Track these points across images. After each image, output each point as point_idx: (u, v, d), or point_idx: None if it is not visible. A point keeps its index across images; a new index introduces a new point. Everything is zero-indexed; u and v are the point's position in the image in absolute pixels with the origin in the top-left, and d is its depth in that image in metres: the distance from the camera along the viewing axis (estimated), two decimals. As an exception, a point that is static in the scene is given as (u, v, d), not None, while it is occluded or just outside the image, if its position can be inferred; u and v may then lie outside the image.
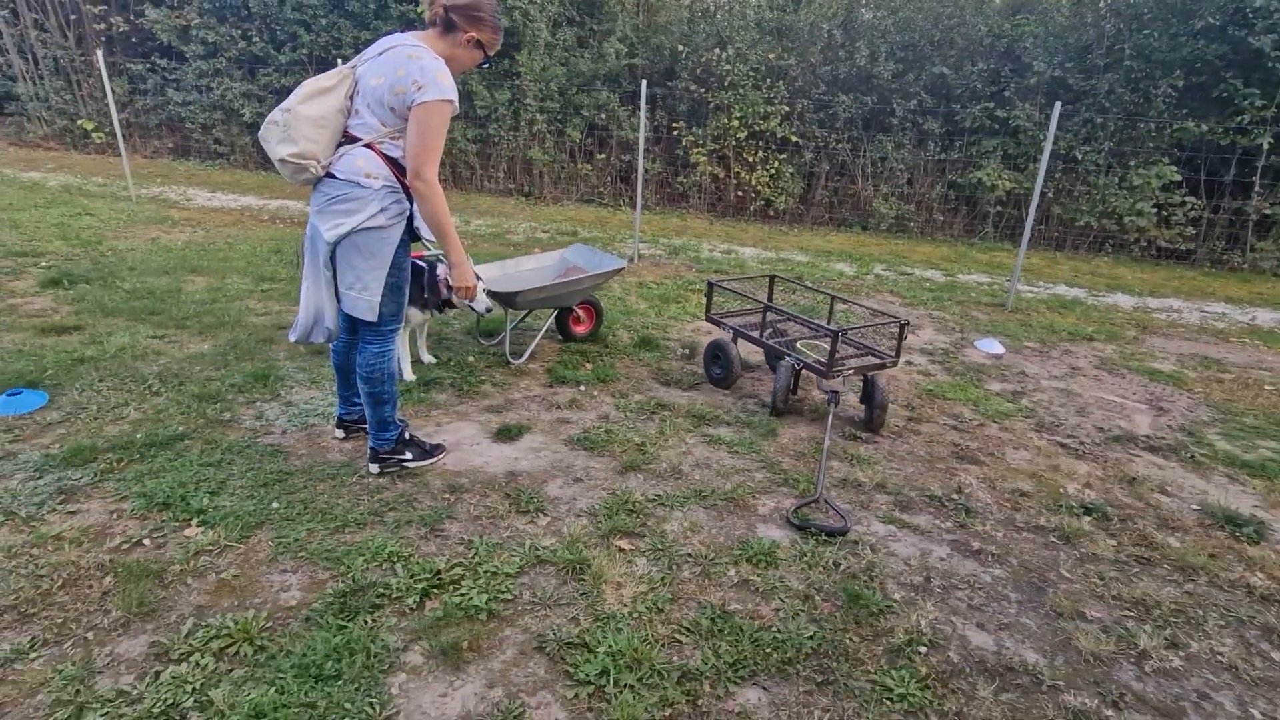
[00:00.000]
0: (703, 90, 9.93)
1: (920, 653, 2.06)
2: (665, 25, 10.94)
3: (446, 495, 2.74)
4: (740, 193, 10.32)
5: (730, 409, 3.72)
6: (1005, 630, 2.19)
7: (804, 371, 3.68)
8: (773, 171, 10.01)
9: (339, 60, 8.54)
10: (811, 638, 2.08)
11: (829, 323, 3.99)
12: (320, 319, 2.61)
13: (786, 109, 9.63)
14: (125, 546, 2.33)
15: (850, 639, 2.10)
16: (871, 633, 2.14)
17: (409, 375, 3.74)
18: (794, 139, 9.81)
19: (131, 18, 12.96)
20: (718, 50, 9.62)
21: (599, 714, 1.80)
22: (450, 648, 1.96)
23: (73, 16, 13.42)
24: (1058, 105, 5.78)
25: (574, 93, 10.57)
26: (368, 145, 2.45)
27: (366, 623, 2.05)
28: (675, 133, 10.43)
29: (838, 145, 9.73)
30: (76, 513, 2.50)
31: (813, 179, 10.15)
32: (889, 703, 1.88)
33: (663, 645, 2.04)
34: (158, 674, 1.84)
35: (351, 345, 2.85)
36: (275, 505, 2.60)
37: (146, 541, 2.37)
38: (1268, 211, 8.26)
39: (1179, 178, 8.34)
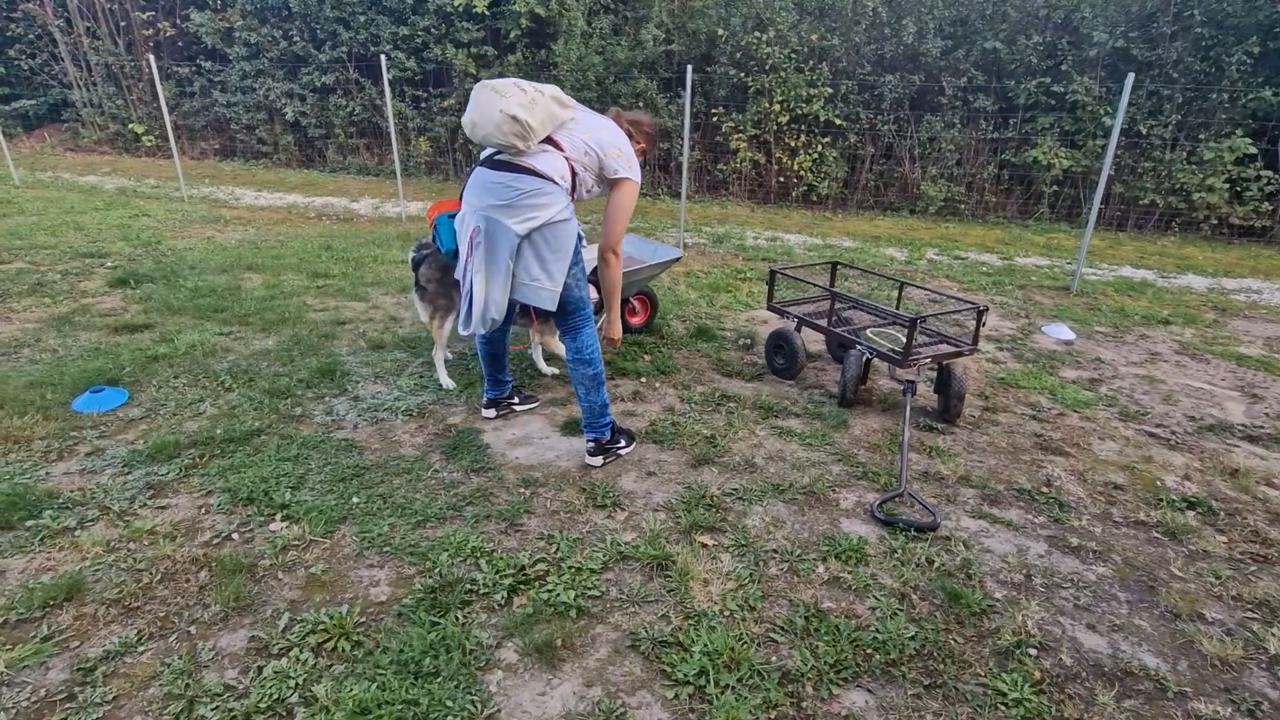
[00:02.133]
0: (742, 75, 9.73)
1: (1030, 655, 1.97)
2: (701, 9, 10.74)
3: (522, 490, 2.72)
4: (782, 179, 10.11)
5: (797, 400, 3.63)
6: (1119, 632, 2.08)
7: (873, 361, 3.57)
8: (815, 156, 9.78)
9: (382, 57, 8.58)
10: (913, 638, 2.00)
11: (897, 309, 3.86)
12: (487, 309, 2.64)
13: (830, 91, 9.38)
14: (215, 541, 2.37)
15: (954, 640, 2.02)
16: (975, 634, 2.05)
17: (447, 383, 3.64)
18: (838, 122, 9.56)
19: (178, 22, 13.27)
20: (757, 33, 9.41)
21: (701, 715, 1.76)
22: (544, 645, 1.94)
23: (122, 23, 13.80)
24: (1130, 77, 5.48)
25: (611, 81, 10.47)
26: (566, 159, 2.58)
27: (458, 619, 2.03)
28: (715, 119, 10.26)
29: (883, 127, 9.45)
30: (166, 507, 2.55)
31: (856, 163, 9.89)
32: (1004, 708, 1.80)
33: (758, 645, 1.98)
34: (260, 669, 1.85)
35: (504, 332, 3.13)
36: (355, 500, 2.61)
37: (235, 536, 2.40)
38: (1352, 184, 7.77)
39: (1254, 150, 7.89)
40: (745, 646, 1.95)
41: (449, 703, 1.75)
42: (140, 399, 3.40)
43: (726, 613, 2.09)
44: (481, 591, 2.16)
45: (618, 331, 2.96)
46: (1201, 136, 8.14)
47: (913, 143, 9.48)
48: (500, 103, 2.42)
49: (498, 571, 2.24)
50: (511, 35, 10.50)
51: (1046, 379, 4.07)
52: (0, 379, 3.51)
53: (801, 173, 9.87)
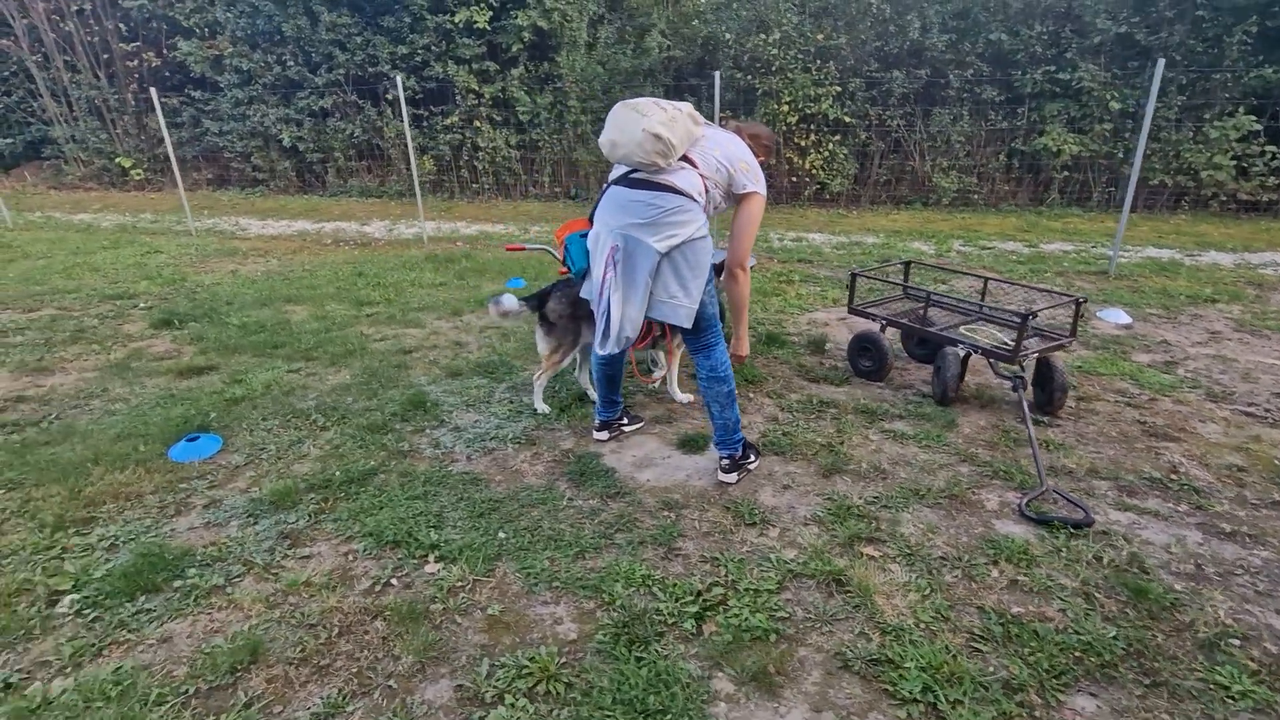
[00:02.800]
0: (749, 78, 9.79)
1: (1235, 645, 1.98)
2: (699, 13, 10.79)
3: (666, 513, 2.69)
4: (794, 178, 10.17)
5: (894, 402, 3.64)
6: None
7: (969, 358, 3.59)
8: (826, 155, 9.86)
9: (398, 77, 8.48)
10: (1115, 638, 2.01)
11: (980, 305, 3.90)
12: (623, 328, 2.62)
13: (838, 89, 9.47)
14: (377, 588, 2.30)
15: (1156, 636, 2.02)
16: (1172, 628, 2.06)
17: (542, 408, 3.58)
18: (847, 119, 9.65)
19: (164, 51, 13.03)
20: (763, 36, 9.47)
21: (940, 733, 1.74)
22: (758, 673, 1.91)
23: (104, 56, 13.51)
24: (1160, 63, 5.59)
25: (617, 90, 10.47)
26: (701, 175, 2.58)
27: (658, 651, 2.00)
28: (722, 123, 10.29)
29: (892, 122, 9.56)
30: (310, 557, 2.48)
31: (866, 159, 9.99)
32: (1231, 701, 1.81)
33: (966, 655, 1.97)
34: (482, 718, 1.80)
35: (624, 354, 3.06)
36: (502, 535, 2.56)
37: (394, 582, 2.34)
38: (1353, 155, 8.01)
39: (1258, 127, 8.11)
40: (955, 659, 1.94)
41: (689, 740, 1.72)
42: (235, 444, 3.31)
43: (922, 625, 2.08)
44: (669, 621, 2.12)
45: (746, 348, 2.95)
46: (1206, 116, 8.34)
47: (921, 136, 9.60)
48: (642, 121, 2.40)
49: (676, 599, 2.21)
50: (513, 49, 10.47)
51: (1122, 364, 4.13)
52: (85, 433, 3.40)
53: (813, 171, 9.95)
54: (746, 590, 2.25)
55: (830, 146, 9.77)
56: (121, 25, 13.22)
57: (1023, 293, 5.49)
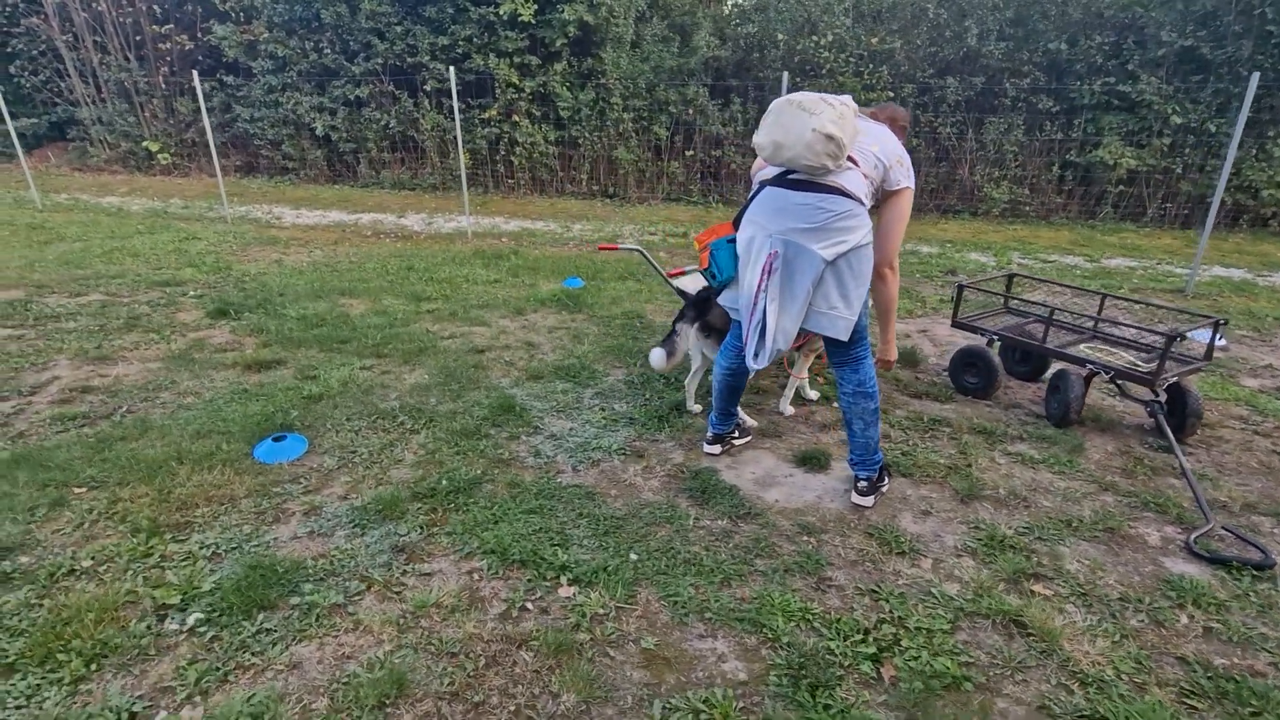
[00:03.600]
0: (798, 80, 9.61)
1: None
2: (745, 13, 10.62)
3: (805, 538, 2.51)
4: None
5: (1008, 421, 3.46)
6: None
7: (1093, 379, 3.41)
8: (874, 160, 9.68)
9: (424, 72, 8.28)
10: (1344, 698, 1.83)
11: (1095, 324, 3.72)
12: (777, 339, 2.47)
13: (890, 95, 9.29)
14: (512, 613, 2.13)
15: (1386, 698, 1.85)
16: (1402, 689, 1.88)
17: (693, 406, 3.50)
18: (897, 125, 9.47)
19: (198, 35, 12.88)
20: (814, 38, 9.30)
21: (1184, 806, 1.56)
22: (963, 728, 1.74)
23: (136, 38, 13.36)
24: (1255, 76, 5.41)
25: (661, 89, 10.30)
26: (864, 175, 2.42)
27: (842, 698, 1.82)
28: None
29: (943, 129, 9.38)
30: (431, 574, 2.30)
31: (916, 166, 9.80)
32: None
33: (1186, 712, 1.79)
34: (670, 774, 1.62)
35: (738, 372, 2.92)
36: (633, 556, 2.39)
37: (529, 606, 2.16)
38: None
39: (1329, 145, 7.92)
40: (1176, 716, 1.77)
41: (910, 807, 1.54)
42: (323, 445, 3.14)
43: (1124, 676, 1.90)
44: (844, 663, 1.95)
45: (895, 353, 2.78)
46: (1270, 134, 8.15)
47: (973, 145, 9.41)
48: (811, 120, 2.23)
49: (845, 638, 2.03)
50: (557, 43, 10.29)
51: (1233, 389, 3.94)
52: (161, 428, 3.23)
53: (859, 178, 9.76)
54: (918, 629, 2.07)
55: (878, 153, 9.58)
56: (156, 7, 13.07)
57: (1139, 311, 5.29)
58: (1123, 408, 3.66)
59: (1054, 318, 3.54)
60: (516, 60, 10.67)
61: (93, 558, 2.34)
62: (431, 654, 1.96)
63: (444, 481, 2.80)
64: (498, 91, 10.86)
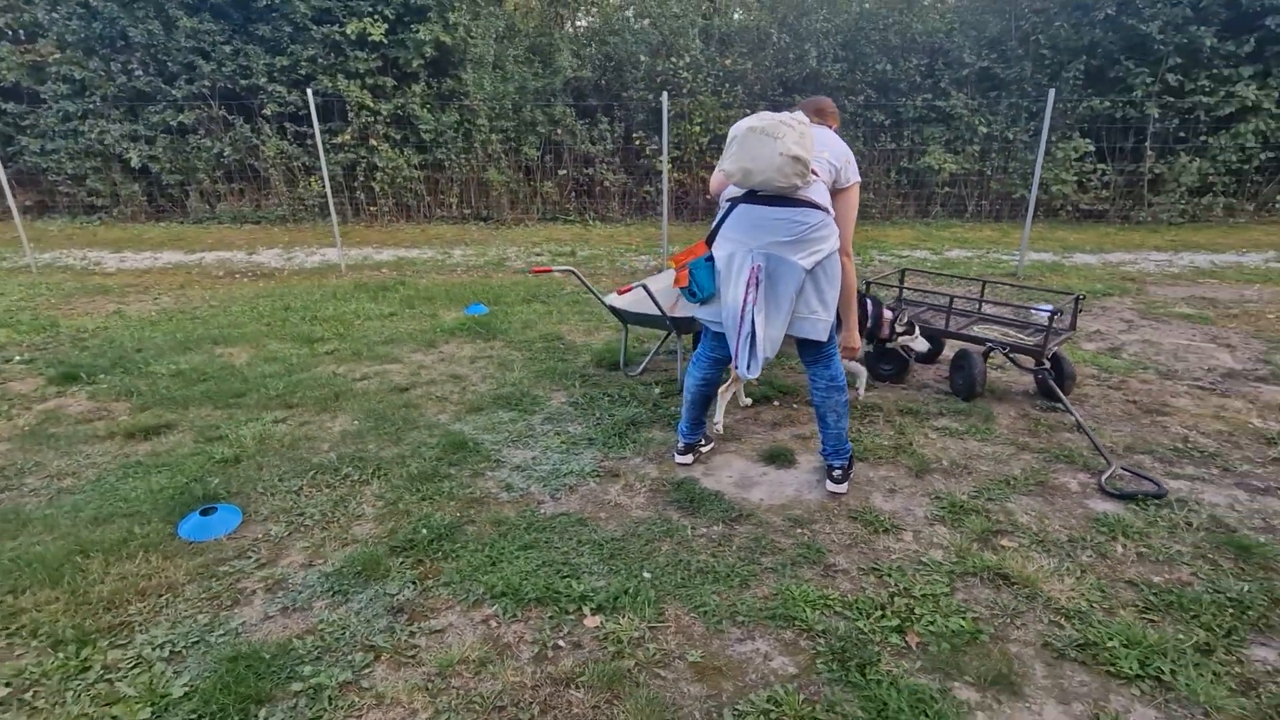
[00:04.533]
0: (659, 99, 10.01)
1: (1335, 583, 2.30)
2: (602, 35, 10.89)
3: (799, 531, 2.63)
4: (707, 197, 10.51)
5: (926, 401, 3.86)
6: (1364, 549, 2.49)
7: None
8: (738, 173, 10.31)
9: (262, 95, 7.64)
10: (1252, 591, 2.25)
11: (980, 307, 4.26)
12: (765, 348, 2.58)
13: (746, 112, 9.95)
14: (547, 654, 2.04)
15: (1253, 589, 2.29)
16: (1281, 575, 2.35)
17: (721, 420, 3.46)
18: (755, 140, 10.17)
19: (-39, 56, 10.83)
20: (673, 59, 9.75)
21: (1181, 701, 1.85)
22: (995, 676, 1.92)
23: None
24: (1051, 93, 6.45)
25: (528, 110, 10.25)
26: (823, 184, 2.57)
27: (887, 672, 1.94)
28: (637, 142, 10.43)
29: (795, 143, 10.21)
30: (443, 630, 2.14)
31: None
32: (1363, 631, 2.09)
33: (1149, 626, 2.12)
34: (764, 778, 1.64)
35: (711, 381, 3.02)
36: (646, 575, 2.37)
37: (561, 644, 2.08)
38: (1159, 171, 9.76)
39: (1091, 148, 9.63)
40: (1145, 631, 2.08)
41: (980, 756, 1.68)
42: (260, 512, 2.79)
43: (1096, 606, 2.21)
44: (876, 639, 2.08)
45: (858, 340, 2.98)
46: (1052, 139, 9.77)
47: (821, 156, 10.34)
48: (777, 145, 2.36)
49: (868, 616, 2.17)
50: (414, 64, 9.90)
51: (1078, 352, 4.68)
52: (46, 521, 2.70)
53: (727, 189, 10.35)
54: (924, 596, 2.26)
55: (742, 165, 10.23)
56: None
57: (1008, 292, 6.01)
58: (1008, 378, 4.21)
59: (951, 306, 4.01)
60: (369, 82, 10.12)
61: (9, 684, 1.91)
62: (477, 712, 1.83)
63: (422, 530, 2.60)
64: (350, 115, 10.23)
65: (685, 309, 4.26)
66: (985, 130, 9.81)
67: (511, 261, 8.24)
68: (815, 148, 2.62)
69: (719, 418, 3.46)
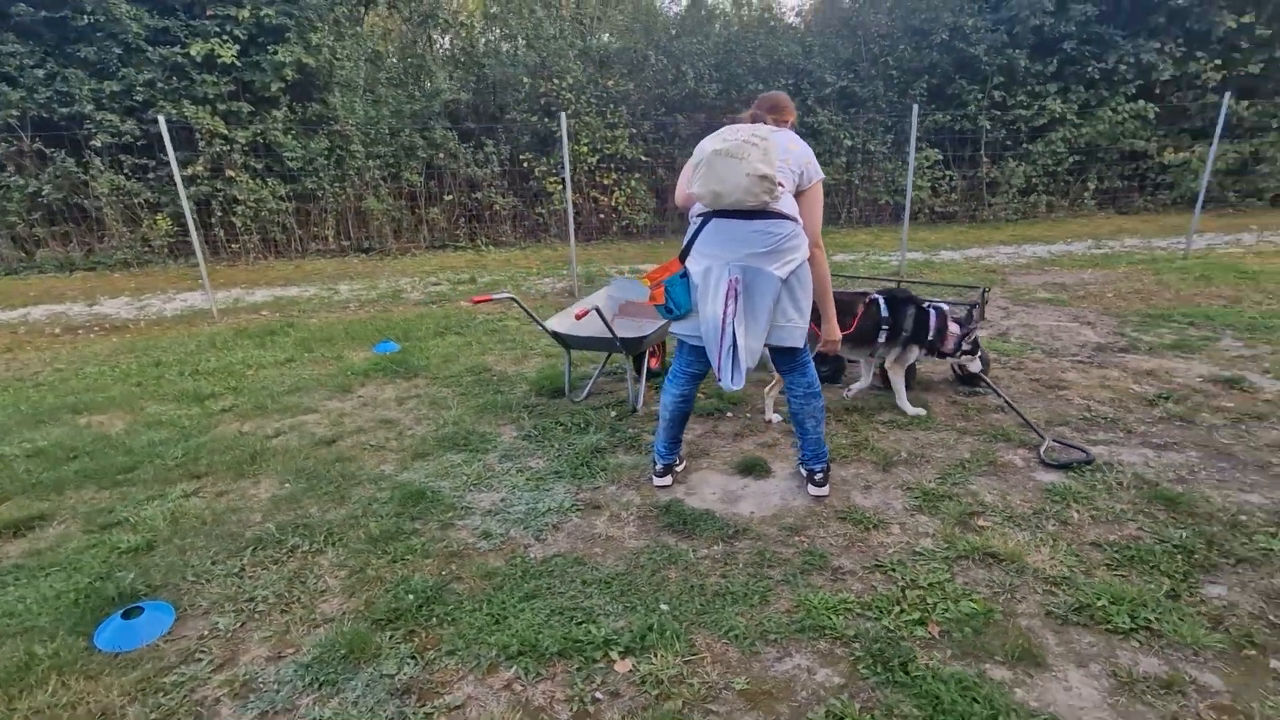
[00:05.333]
0: (545, 120, 9.95)
1: (1244, 519, 2.66)
2: (480, 58, 10.66)
3: (797, 539, 2.65)
4: (601, 216, 10.56)
5: (862, 397, 4.06)
6: (1253, 490, 2.91)
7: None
8: (629, 192, 10.45)
9: (89, 125, 6.77)
10: (1190, 536, 2.55)
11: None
12: (747, 358, 2.56)
13: (632, 131, 10.14)
14: (588, 710, 1.89)
15: (1208, 527, 2.61)
16: (1206, 518, 2.68)
17: (773, 416, 3.75)
18: (643, 158, 10.37)
19: None
20: (556, 81, 9.74)
21: (1183, 620, 2.04)
22: (1020, 652, 2.02)
23: None
24: (914, 109, 7.12)
25: (406, 134, 9.78)
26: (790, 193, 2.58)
27: (926, 666, 1.99)
28: (525, 164, 10.27)
29: (681, 160, 10.53)
30: (463, 704, 1.92)
31: (663, 194, 10.83)
32: (1258, 554, 2.44)
33: (1124, 581, 2.33)
34: (852, 798, 1.61)
35: (689, 397, 2.98)
36: (664, 607, 2.28)
37: (600, 696, 1.94)
38: (994, 176, 11.08)
39: (940, 157, 10.74)
40: (1123, 586, 2.29)
41: (1035, 731, 1.76)
42: (197, 604, 2.39)
43: (1075, 570, 2.40)
44: (903, 635, 2.12)
45: (837, 332, 2.99)
46: (906, 149, 10.79)
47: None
48: (744, 166, 2.38)
49: (887, 613, 2.22)
50: (273, 88, 9.13)
51: (975, 340, 5.16)
52: (-98, 657, 2.14)
53: (619, 208, 10.45)
54: (931, 586, 2.35)
55: (632, 184, 10.39)
56: None
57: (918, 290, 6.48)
58: (924, 369, 4.53)
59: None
60: (221, 108, 9.22)
61: None
62: (534, 792, 1.65)
63: (408, 596, 2.34)
64: (201, 144, 9.25)
65: (628, 329, 4.22)
66: (849, 143, 10.66)
67: (408, 294, 7.78)
68: (780, 154, 2.67)
69: (769, 414, 3.71)
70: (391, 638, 2.18)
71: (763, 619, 2.21)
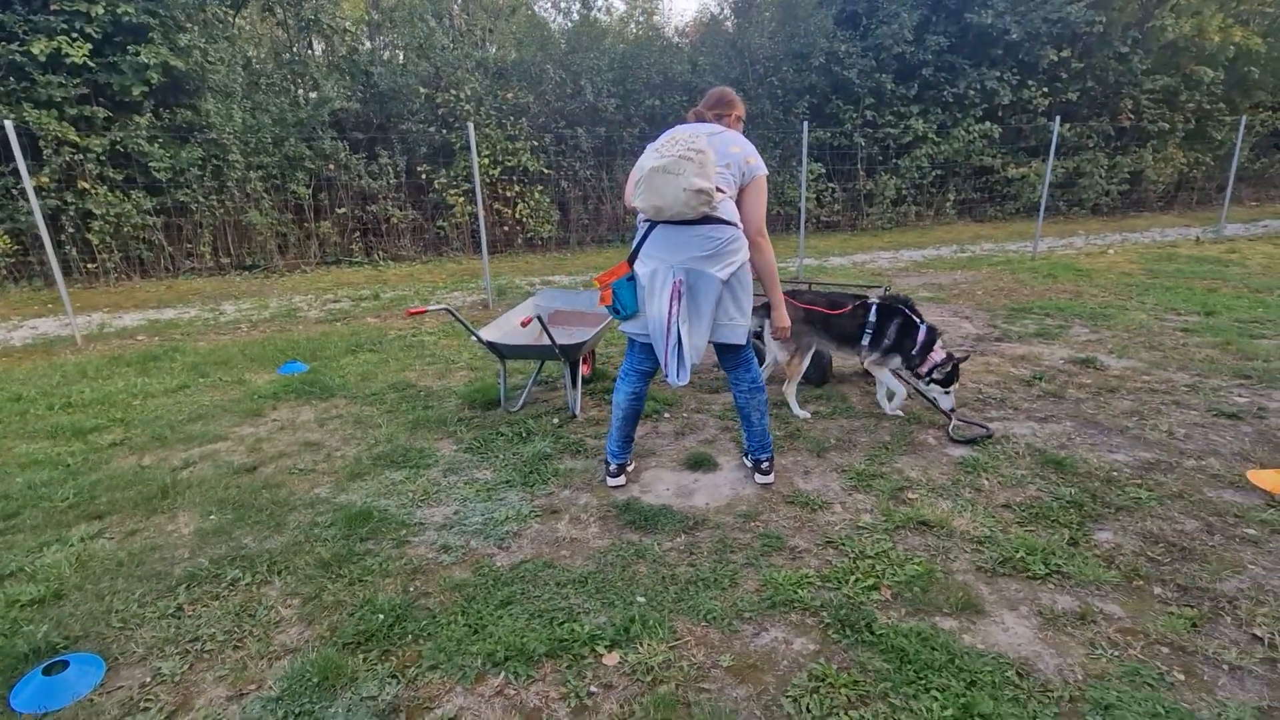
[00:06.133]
0: (444, 131, 9.74)
1: (1117, 476, 3.12)
2: (366, 69, 10.25)
3: (753, 525, 2.80)
4: (505, 228, 10.44)
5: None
6: (1119, 449, 3.41)
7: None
8: (532, 204, 10.41)
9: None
10: (1078, 493, 2.95)
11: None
12: (693, 356, 2.69)
13: (534, 143, 10.13)
14: (586, 704, 1.92)
15: (1090, 484, 3.04)
16: (1087, 476, 3.11)
17: (802, 413, 3.91)
18: (545, 171, 10.37)
19: None
20: (453, 92, 9.56)
21: (1085, 586, 2.37)
22: (963, 603, 2.27)
23: None
24: (805, 125, 7.65)
25: (292, 143, 9.21)
26: (729, 197, 2.68)
27: (887, 625, 2.19)
28: (424, 176, 9.97)
29: (583, 171, 10.65)
30: (456, 716, 1.89)
31: (566, 206, 10.88)
32: (1140, 503, 2.88)
33: (1033, 535, 2.67)
34: (845, 747, 1.75)
35: (641, 395, 3.05)
36: (640, 599, 2.35)
37: (593, 689, 1.97)
38: (870, 188, 12.07)
39: (823, 170, 11.56)
40: (1031, 538, 2.62)
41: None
42: (130, 652, 2.17)
43: (993, 529, 2.72)
44: (861, 600, 2.32)
45: (787, 319, 3.07)
46: (794, 164, 11.52)
47: (608, 183, 10.91)
48: (680, 181, 2.51)
49: (844, 582, 2.41)
50: (134, 92, 8.31)
51: (875, 336, 5.63)
52: None
53: (523, 220, 10.38)
54: (878, 554, 2.57)
55: (535, 196, 10.36)
56: None
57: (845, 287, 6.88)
58: (834, 362, 4.89)
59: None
60: (71, 112, 8.26)
61: None
62: (548, 788, 1.66)
63: (377, 617, 2.25)
64: (47, 152, 8.23)
65: (562, 337, 4.25)
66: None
67: (306, 312, 7.34)
68: (719, 162, 2.76)
69: (796, 411, 3.91)
70: (366, 659, 2.10)
71: (735, 600, 2.34)
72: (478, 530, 2.82)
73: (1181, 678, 1.96)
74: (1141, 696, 1.88)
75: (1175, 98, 13.74)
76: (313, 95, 9.59)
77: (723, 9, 12.88)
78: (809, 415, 3.91)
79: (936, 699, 1.88)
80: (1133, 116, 13.69)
